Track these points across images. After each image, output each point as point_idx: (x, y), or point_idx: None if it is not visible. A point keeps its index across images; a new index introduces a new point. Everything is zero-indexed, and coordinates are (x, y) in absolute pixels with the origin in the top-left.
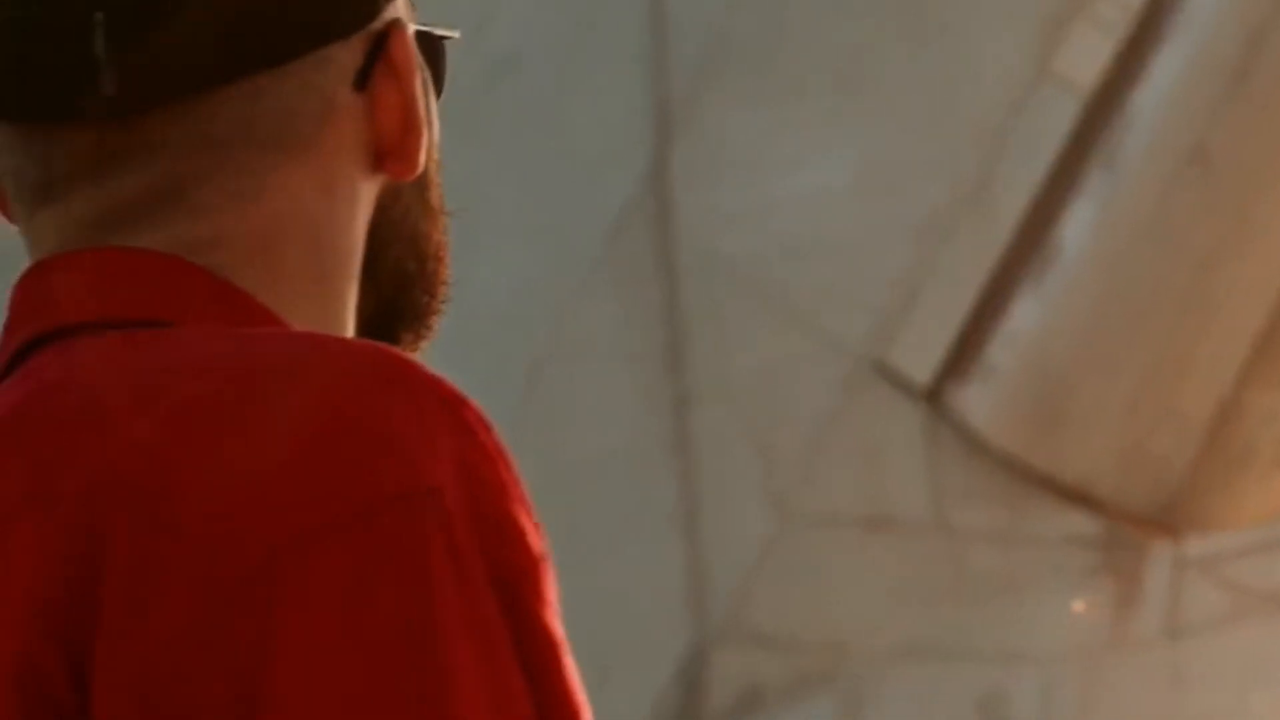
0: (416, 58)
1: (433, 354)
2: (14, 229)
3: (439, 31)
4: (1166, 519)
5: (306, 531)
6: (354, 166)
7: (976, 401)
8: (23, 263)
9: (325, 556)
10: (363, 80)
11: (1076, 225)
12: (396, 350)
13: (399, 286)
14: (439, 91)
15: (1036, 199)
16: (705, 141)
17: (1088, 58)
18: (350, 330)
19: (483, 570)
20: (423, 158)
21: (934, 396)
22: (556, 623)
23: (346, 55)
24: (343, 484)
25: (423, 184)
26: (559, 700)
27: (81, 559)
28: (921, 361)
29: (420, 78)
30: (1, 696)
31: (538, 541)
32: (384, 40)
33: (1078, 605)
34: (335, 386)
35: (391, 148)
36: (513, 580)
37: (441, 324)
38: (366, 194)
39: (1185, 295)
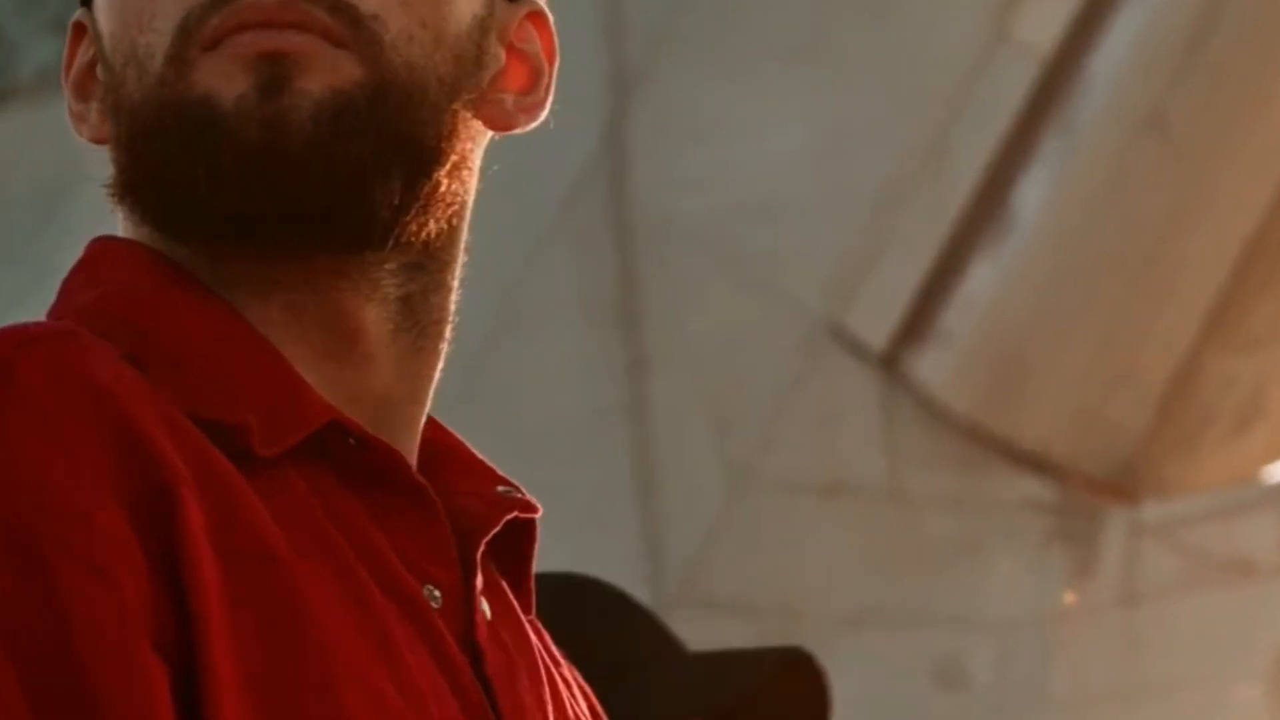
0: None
1: None
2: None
3: None
4: (1123, 484)
5: None
6: None
7: (933, 367)
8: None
9: None
10: None
11: (1033, 191)
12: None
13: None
14: None
15: (993, 165)
16: (661, 106)
17: (1045, 22)
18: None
19: None
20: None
21: (890, 362)
22: (81, 593)
23: None
24: None
25: None
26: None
27: None
28: (878, 327)
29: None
30: None
31: (78, 500)
32: None
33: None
34: None
35: None
36: (36, 549)
37: None
38: None
39: (1142, 260)
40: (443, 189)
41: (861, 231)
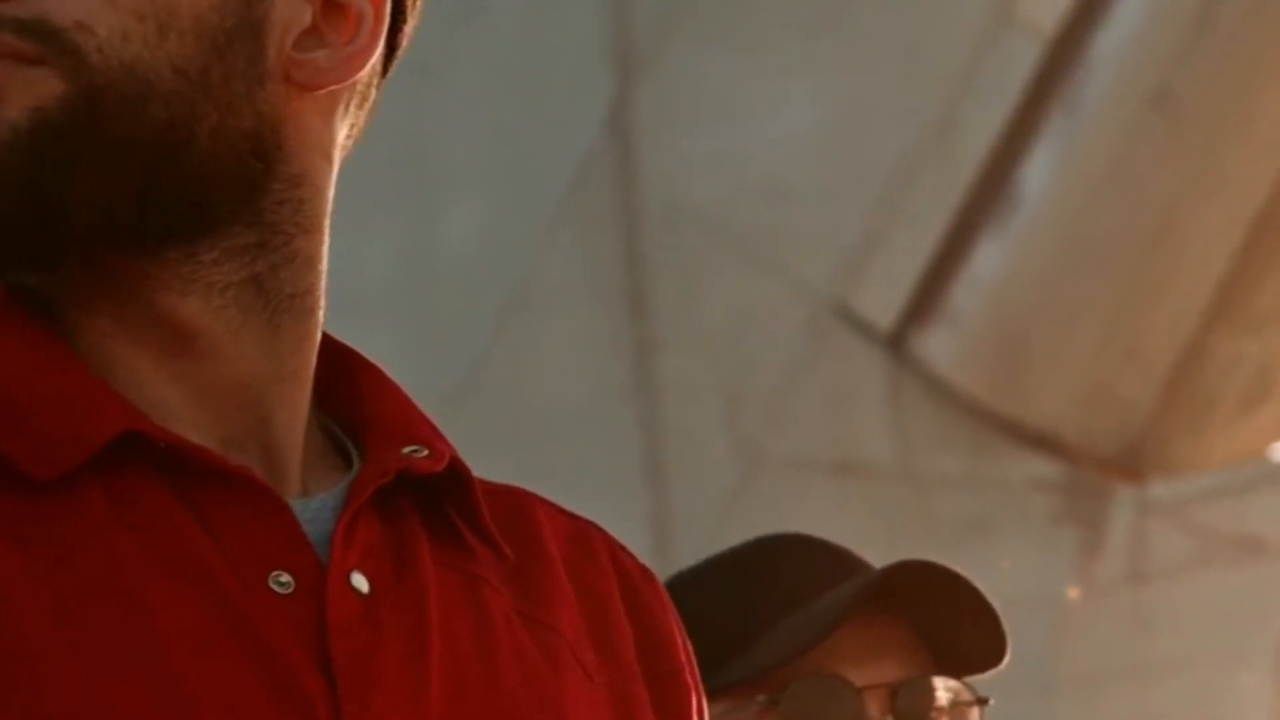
0: None
1: (399, 302)
2: None
3: None
4: (1131, 463)
5: None
6: None
7: (940, 346)
8: None
9: None
10: None
11: (1039, 169)
12: None
13: None
14: None
15: (999, 144)
16: (668, 87)
17: (1050, 2)
18: None
19: None
20: None
21: (898, 341)
22: None
23: None
24: None
25: None
26: None
27: None
28: (885, 307)
29: None
30: None
31: None
32: None
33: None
34: None
35: None
36: None
37: (410, 273)
38: None
39: (1149, 239)
40: (215, 171)
41: (868, 212)
